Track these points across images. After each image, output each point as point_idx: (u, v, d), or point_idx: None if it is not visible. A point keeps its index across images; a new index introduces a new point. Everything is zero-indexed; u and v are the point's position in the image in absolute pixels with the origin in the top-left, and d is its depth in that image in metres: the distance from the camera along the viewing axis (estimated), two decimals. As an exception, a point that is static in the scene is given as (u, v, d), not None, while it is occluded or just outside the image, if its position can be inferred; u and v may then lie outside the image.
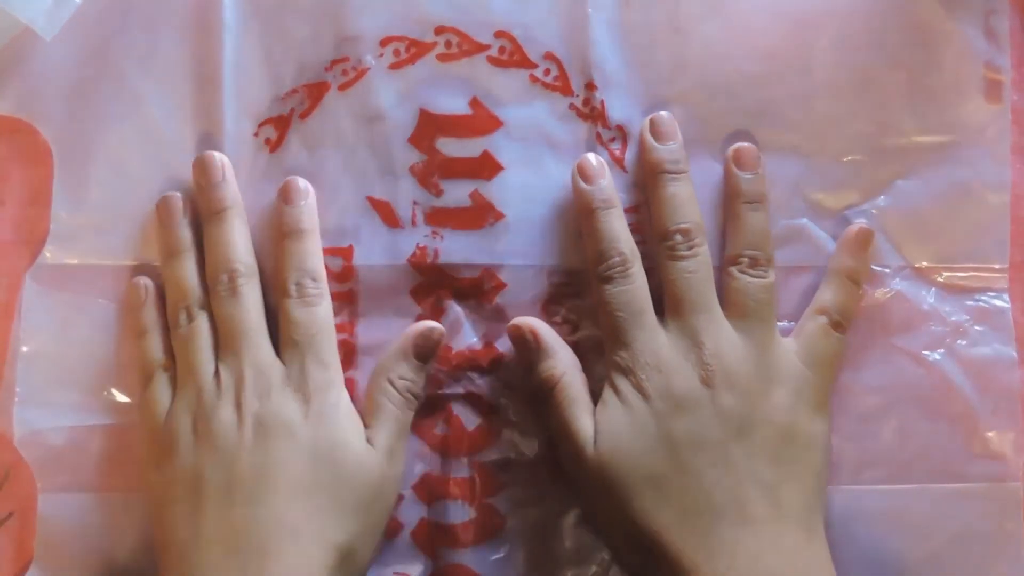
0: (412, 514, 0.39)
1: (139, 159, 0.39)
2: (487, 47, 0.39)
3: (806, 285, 0.39)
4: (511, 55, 0.39)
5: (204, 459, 0.34)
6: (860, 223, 0.38)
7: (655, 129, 0.38)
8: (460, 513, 0.38)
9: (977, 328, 0.39)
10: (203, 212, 0.38)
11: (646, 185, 0.38)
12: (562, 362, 0.37)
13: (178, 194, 0.38)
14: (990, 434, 0.38)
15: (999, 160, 0.39)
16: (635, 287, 0.36)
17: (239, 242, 0.37)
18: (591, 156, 0.38)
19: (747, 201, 0.37)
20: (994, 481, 0.38)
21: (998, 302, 0.39)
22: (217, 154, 0.38)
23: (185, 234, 0.38)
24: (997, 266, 0.39)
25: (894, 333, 0.39)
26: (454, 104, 0.39)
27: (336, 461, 0.35)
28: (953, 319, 0.39)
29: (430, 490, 0.39)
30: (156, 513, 0.35)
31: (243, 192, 0.39)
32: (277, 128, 0.39)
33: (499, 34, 0.39)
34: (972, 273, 0.39)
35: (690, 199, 0.37)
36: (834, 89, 0.39)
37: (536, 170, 0.39)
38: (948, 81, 0.39)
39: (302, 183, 0.38)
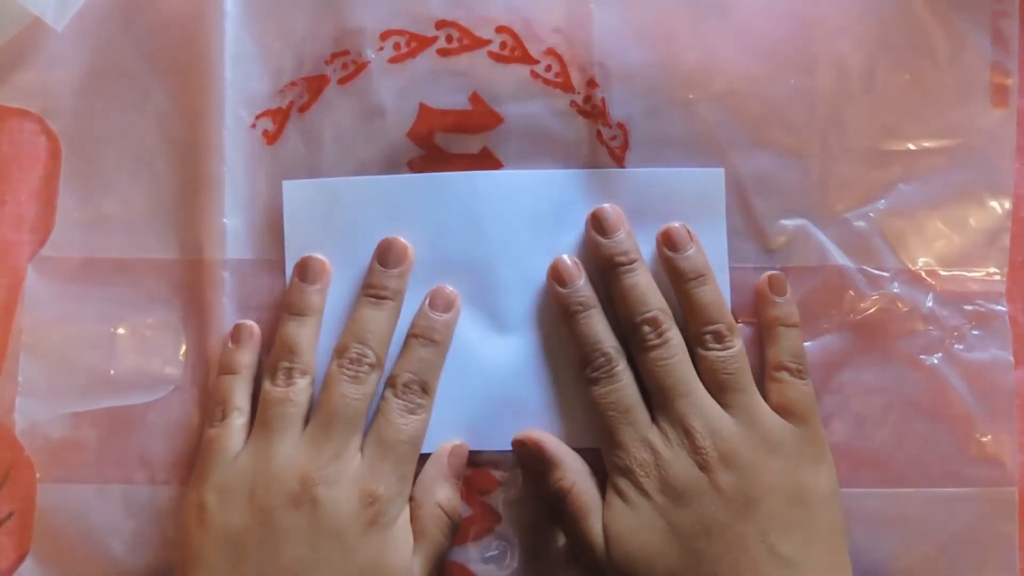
0: (407, 511, 0.38)
1: (145, 152, 0.38)
2: (488, 42, 0.38)
3: (806, 287, 0.38)
4: (512, 51, 0.38)
5: (250, 529, 0.33)
6: (769, 272, 0.37)
7: (599, 224, 0.36)
8: (455, 510, 0.38)
9: (975, 332, 0.37)
10: (364, 291, 0.36)
11: (603, 279, 0.37)
12: (571, 471, 0.35)
13: (323, 259, 0.37)
14: (986, 438, 0.37)
15: (1003, 165, 0.38)
16: (622, 385, 0.35)
17: (384, 330, 0.36)
18: (565, 258, 0.36)
19: (691, 279, 0.36)
20: (990, 485, 0.37)
21: (996, 307, 0.37)
22: (404, 243, 0.37)
23: (316, 300, 0.36)
24: (995, 271, 0.38)
25: (892, 336, 0.37)
26: (454, 99, 0.38)
27: None
28: (951, 323, 0.37)
29: (425, 487, 0.38)
30: (187, 560, 0.33)
31: (239, 186, 0.38)
32: (275, 121, 0.38)
33: (500, 29, 0.38)
34: (971, 278, 0.38)
35: (649, 287, 0.36)
36: (837, 91, 0.38)
37: (535, 167, 0.38)
38: (953, 84, 0.37)
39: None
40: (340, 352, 0.35)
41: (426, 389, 0.36)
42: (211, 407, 0.36)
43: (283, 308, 0.36)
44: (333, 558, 0.32)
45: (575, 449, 0.37)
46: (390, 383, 0.36)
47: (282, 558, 0.32)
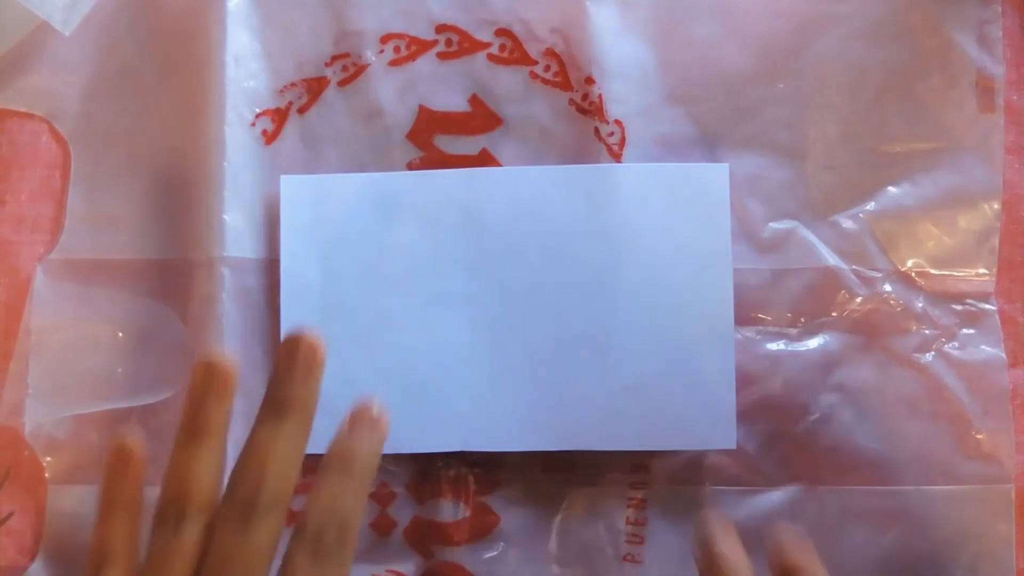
0: (405, 512, 0.37)
1: (151, 153, 0.38)
2: (488, 45, 0.38)
3: (797, 287, 0.38)
4: (512, 52, 0.38)
5: None
6: (781, 525, 0.32)
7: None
8: (453, 511, 0.37)
9: (966, 332, 0.38)
10: (263, 404, 0.28)
11: None
12: None
13: (232, 366, 0.28)
14: (982, 436, 0.37)
15: (991, 168, 0.38)
16: None
17: (286, 455, 0.27)
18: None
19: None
20: (986, 483, 0.37)
21: (986, 306, 0.38)
22: (314, 339, 0.28)
23: (218, 416, 0.27)
24: (985, 271, 0.38)
25: (885, 335, 0.38)
26: (453, 101, 0.38)
27: None
28: (943, 322, 0.38)
29: (423, 488, 0.37)
30: None
31: (239, 183, 0.38)
32: (274, 120, 0.38)
33: (500, 32, 0.38)
34: (960, 278, 0.38)
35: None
36: (828, 92, 0.38)
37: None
38: (941, 88, 0.38)
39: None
40: (228, 490, 0.27)
41: (344, 536, 0.27)
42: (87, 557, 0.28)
43: (179, 426, 0.28)
44: None
45: (574, 451, 0.36)
46: (296, 532, 0.27)
47: None
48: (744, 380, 0.37)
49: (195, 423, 0.27)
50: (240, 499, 0.26)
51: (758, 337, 0.38)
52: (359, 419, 0.28)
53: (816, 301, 0.38)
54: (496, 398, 0.37)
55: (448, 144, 0.38)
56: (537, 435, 0.36)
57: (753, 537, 0.36)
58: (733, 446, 0.36)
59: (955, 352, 0.38)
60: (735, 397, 0.36)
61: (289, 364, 0.28)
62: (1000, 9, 0.38)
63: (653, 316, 0.37)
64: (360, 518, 0.27)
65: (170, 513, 0.27)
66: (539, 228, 0.37)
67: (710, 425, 0.36)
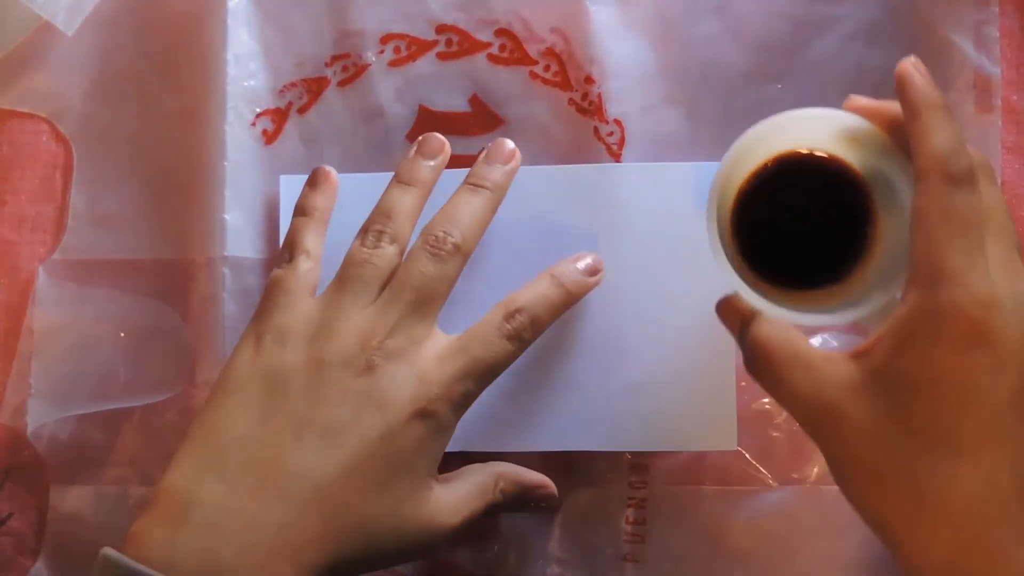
0: (405, 512, 0.37)
1: (152, 153, 0.38)
2: (488, 45, 0.38)
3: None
4: (512, 52, 0.38)
5: (299, 372, 0.30)
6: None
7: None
8: (453, 511, 0.36)
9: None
10: (465, 181, 0.34)
11: None
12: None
13: (443, 139, 0.35)
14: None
15: (989, 168, 0.37)
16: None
17: (480, 220, 0.33)
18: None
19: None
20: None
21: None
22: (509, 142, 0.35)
23: (427, 175, 0.34)
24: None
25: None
26: (454, 102, 0.38)
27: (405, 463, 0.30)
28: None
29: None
30: (225, 388, 0.31)
31: (239, 183, 0.37)
32: (275, 120, 0.38)
33: (500, 32, 0.38)
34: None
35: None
36: (826, 93, 0.37)
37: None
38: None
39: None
40: (426, 230, 0.33)
41: (463, 241, 0.32)
42: (281, 249, 0.34)
43: (394, 175, 0.34)
44: (372, 431, 0.30)
45: (574, 451, 0.36)
46: (423, 232, 0.33)
47: (321, 411, 0.30)
48: (744, 380, 0.36)
49: (405, 173, 0.34)
50: (435, 236, 0.32)
51: (757, 337, 0.37)
52: (493, 149, 0.35)
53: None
54: (495, 398, 0.36)
55: (449, 144, 0.37)
56: (537, 435, 0.36)
57: (753, 537, 0.36)
58: (734, 447, 0.35)
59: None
60: (735, 397, 0.35)
61: (489, 156, 0.35)
62: (997, 10, 0.37)
63: (653, 316, 0.36)
64: (485, 226, 0.33)
65: (371, 232, 0.33)
66: (539, 228, 0.36)
67: (710, 426, 0.35)
